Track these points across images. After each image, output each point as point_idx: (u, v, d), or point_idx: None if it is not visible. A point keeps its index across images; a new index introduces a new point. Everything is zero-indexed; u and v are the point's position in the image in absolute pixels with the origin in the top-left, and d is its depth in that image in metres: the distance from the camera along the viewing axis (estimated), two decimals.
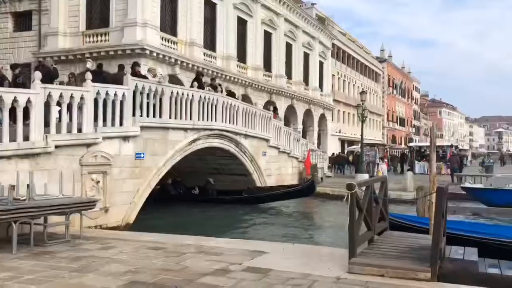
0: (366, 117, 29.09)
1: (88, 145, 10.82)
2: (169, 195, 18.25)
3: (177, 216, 15.28)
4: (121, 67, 13.92)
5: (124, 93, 11.83)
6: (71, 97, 10.33)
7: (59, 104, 10.13)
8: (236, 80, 27.41)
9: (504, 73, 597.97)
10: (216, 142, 17.03)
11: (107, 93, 11.32)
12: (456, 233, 8.05)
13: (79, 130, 10.64)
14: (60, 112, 10.35)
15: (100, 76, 12.31)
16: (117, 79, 12.38)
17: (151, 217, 13.62)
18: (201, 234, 9.24)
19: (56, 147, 9.82)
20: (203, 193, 18.79)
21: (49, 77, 11.33)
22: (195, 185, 19.24)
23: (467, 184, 19.25)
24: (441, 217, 6.09)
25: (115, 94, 11.54)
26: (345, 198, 6.20)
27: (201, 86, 16.18)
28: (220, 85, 18.85)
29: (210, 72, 24.47)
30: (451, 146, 41.11)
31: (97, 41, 21.61)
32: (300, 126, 37.83)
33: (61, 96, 10.05)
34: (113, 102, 11.58)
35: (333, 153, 40.20)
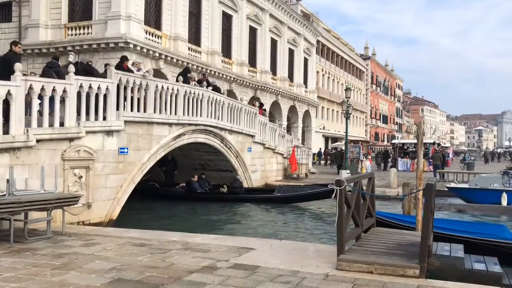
0: (350, 114, 29.18)
1: (71, 140, 10.58)
2: (196, 193, 17.49)
3: (220, 214, 14.91)
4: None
5: (107, 86, 11.60)
6: (53, 90, 10.07)
7: (40, 97, 9.88)
8: (221, 75, 27.22)
9: (484, 72, 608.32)
10: (201, 138, 16.87)
11: (90, 87, 11.08)
12: (442, 233, 8.08)
13: (62, 124, 10.39)
14: (42, 105, 10.09)
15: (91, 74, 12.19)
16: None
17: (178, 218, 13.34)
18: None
19: (38, 141, 9.57)
20: (231, 191, 17.90)
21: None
22: (221, 183, 18.44)
23: (452, 184, 19.42)
24: (430, 213, 6.08)
25: (98, 88, 11.31)
26: (333, 194, 6.15)
27: (186, 81, 15.96)
28: (209, 83, 18.56)
29: (195, 67, 24.24)
30: (434, 143, 41.60)
31: (79, 34, 21.18)
32: (284, 122, 37.84)
33: (42, 89, 9.79)
34: (97, 96, 11.36)
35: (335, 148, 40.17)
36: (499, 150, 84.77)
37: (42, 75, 11.49)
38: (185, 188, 17.97)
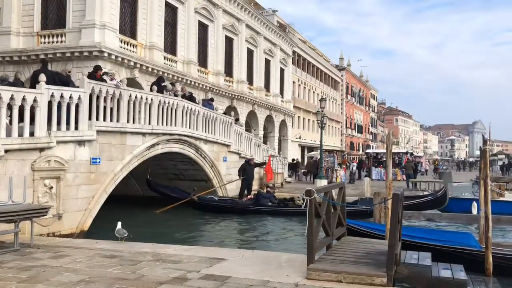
0: (325, 124, 29.50)
1: (41, 149, 10.42)
2: (266, 206, 16.49)
3: None
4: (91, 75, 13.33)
5: (80, 96, 11.48)
6: (23, 99, 9.92)
7: (10, 106, 9.71)
8: (197, 84, 27.21)
9: (457, 83, 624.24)
10: (176, 147, 16.80)
11: (62, 96, 10.95)
12: (411, 240, 8.27)
13: (32, 134, 10.23)
14: (11, 114, 9.91)
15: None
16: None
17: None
18: None
19: (6, 151, 9.40)
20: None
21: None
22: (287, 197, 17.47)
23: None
24: (397, 222, 6.22)
25: (70, 97, 11.18)
26: (304, 204, 6.23)
27: (160, 90, 15.92)
28: (184, 93, 18.60)
29: (170, 76, 24.18)
30: (407, 153, 42.38)
31: (52, 42, 20.88)
32: (261, 132, 37.99)
33: (12, 98, 9.63)
34: (69, 105, 11.22)
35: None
36: (470, 159, 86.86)
37: None
38: (253, 201, 17.12)
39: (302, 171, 35.30)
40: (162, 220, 15.18)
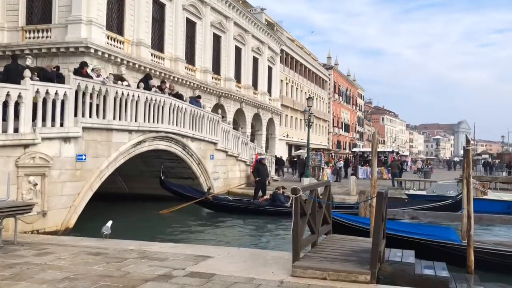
0: (313, 122, 29.64)
1: (26, 146, 10.31)
2: (283, 207, 15.83)
3: None
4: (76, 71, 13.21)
5: (65, 92, 11.38)
6: (7, 95, 9.80)
7: None
8: (184, 82, 27.11)
9: (444, 84, 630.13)
10: (162, 145, 16.74)
11: (47, 92, 10.84)
12: (395, 234, 8.41)
13: (16, 130, 10.11)
14: None
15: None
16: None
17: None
18: None
19: None
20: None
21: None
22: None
23: (411, 191, 20.04)
24: (381, 220, 6.29)
25: (56, 93, 11.08)
26: (290, 202, 6.28)
27: (147, 87, 15.84)
28: (172, 90, 18.52)
29: (158, 73, 24.07)
30: (392, 152, 42.76)
31: (38, 37, 20.61)
32: (249, 130, 38.00)
33: None
34: (54, 102, 11.12)
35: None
36: (455, 159, 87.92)
37: None
38: (269, 201, 16.67)
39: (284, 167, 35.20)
40: (175, 220, 14.99)
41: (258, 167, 19.55)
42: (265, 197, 17.66)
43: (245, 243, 11.54)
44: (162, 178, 16.85)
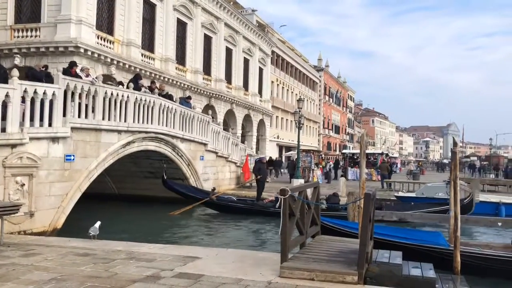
0: (303, 124, 29.72)
1: (13, 146, 10.22)
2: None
3: None
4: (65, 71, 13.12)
5: (54, 92, 11.31)
6: None
7: None
8: (174, 82, 27.05)
9: (433, 86, 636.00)
10: (152, 145, 16.68)
11: (35, 92, 10.76)
12: (383, 239, 8.44)
13: (4, 130, 10.02)
14: None
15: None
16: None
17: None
18: None
19: None
20: (330, 207, 13.93)
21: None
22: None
23: (400, 193, 20.15)
24: (368, 221, 6.33)
25: (44, 93, 11.00)
26: (278, 203, 6.30)
27: (137, 88, 15.78)
28: (162, 90, 18.48)
29: (148, 73, 23.98)
30: (382, 153, 42.98)
31: (27, 37, 20.43)
32: (239, 131, 38.00)
33: None
34: (42, 101, 11.04)
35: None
36: (444, 161, 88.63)
37: None
38: (275, 203, 16.13)
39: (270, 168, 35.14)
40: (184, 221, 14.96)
41: (260, 166, 19.60)
42: (270, 198, 17.60)
43: (245, 243, 11.57)
44: (165, 177, 16.83)
